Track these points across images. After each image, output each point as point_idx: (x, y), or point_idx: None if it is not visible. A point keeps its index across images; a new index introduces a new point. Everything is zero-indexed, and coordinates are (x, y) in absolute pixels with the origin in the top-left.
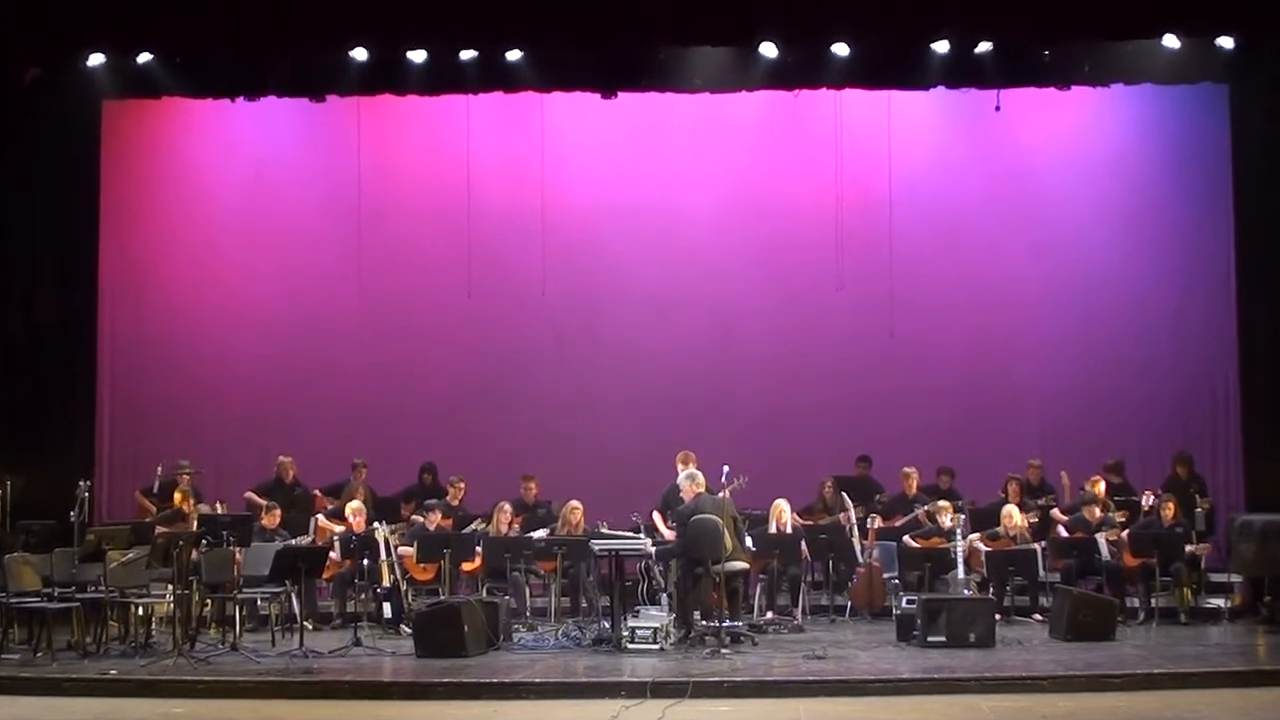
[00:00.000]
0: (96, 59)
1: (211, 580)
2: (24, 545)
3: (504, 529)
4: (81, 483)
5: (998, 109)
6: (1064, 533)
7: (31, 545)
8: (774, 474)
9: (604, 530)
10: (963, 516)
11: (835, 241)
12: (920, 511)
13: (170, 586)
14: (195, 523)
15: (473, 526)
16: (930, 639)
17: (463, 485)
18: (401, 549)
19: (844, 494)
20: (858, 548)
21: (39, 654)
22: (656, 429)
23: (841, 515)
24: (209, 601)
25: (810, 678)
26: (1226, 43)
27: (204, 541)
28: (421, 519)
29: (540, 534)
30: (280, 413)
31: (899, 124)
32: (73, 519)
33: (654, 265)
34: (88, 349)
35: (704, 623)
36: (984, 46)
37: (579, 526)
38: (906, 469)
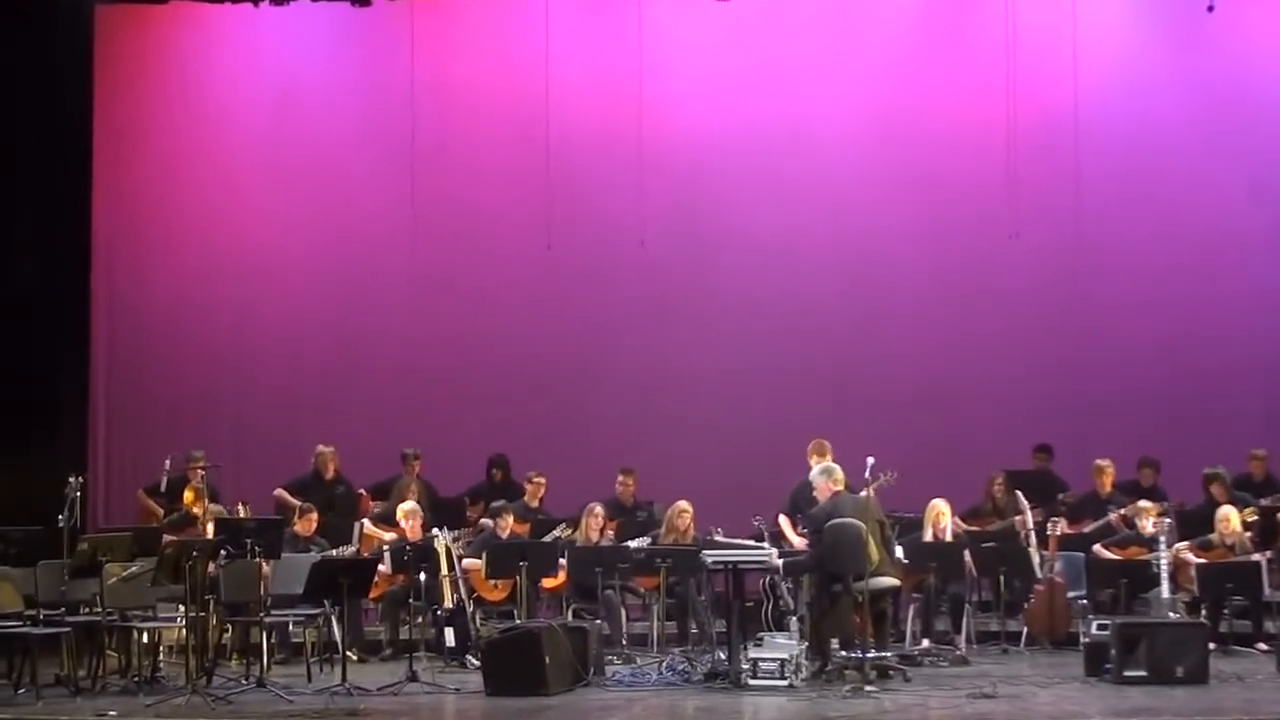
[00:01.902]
0: None
1: (232, 600)
2: (1, 557)
3: (595, 536)
4: (72, 479)
5: (1210, 9)
6: None
7: (11, 557)
8: (930, 468)
9: (718, 538)
10: (1168, 521)
11: (1006, 176)
12: (1115, 515)
13: (181, 608)
14: (212, 529)
15: (555, 534)
16: (1127, 673)
17: (542, 482)
18: (467, 561)
19: (1018, 493)
20: (1036, 560)
21: (20, 690)
22: (783, 412)
23: (1016, 519)
24: (229, 626)
25: None
26: None
27: (223, 552)
28: (491, 524)
29: (640, 543)
30: (317, 393)
31: (1086, 26)
32: (61, 524)
33: (778, 207)
34: (78, 314)
35: (844, 653)
36: None
37: (688, 534)
38: (1098, 461)
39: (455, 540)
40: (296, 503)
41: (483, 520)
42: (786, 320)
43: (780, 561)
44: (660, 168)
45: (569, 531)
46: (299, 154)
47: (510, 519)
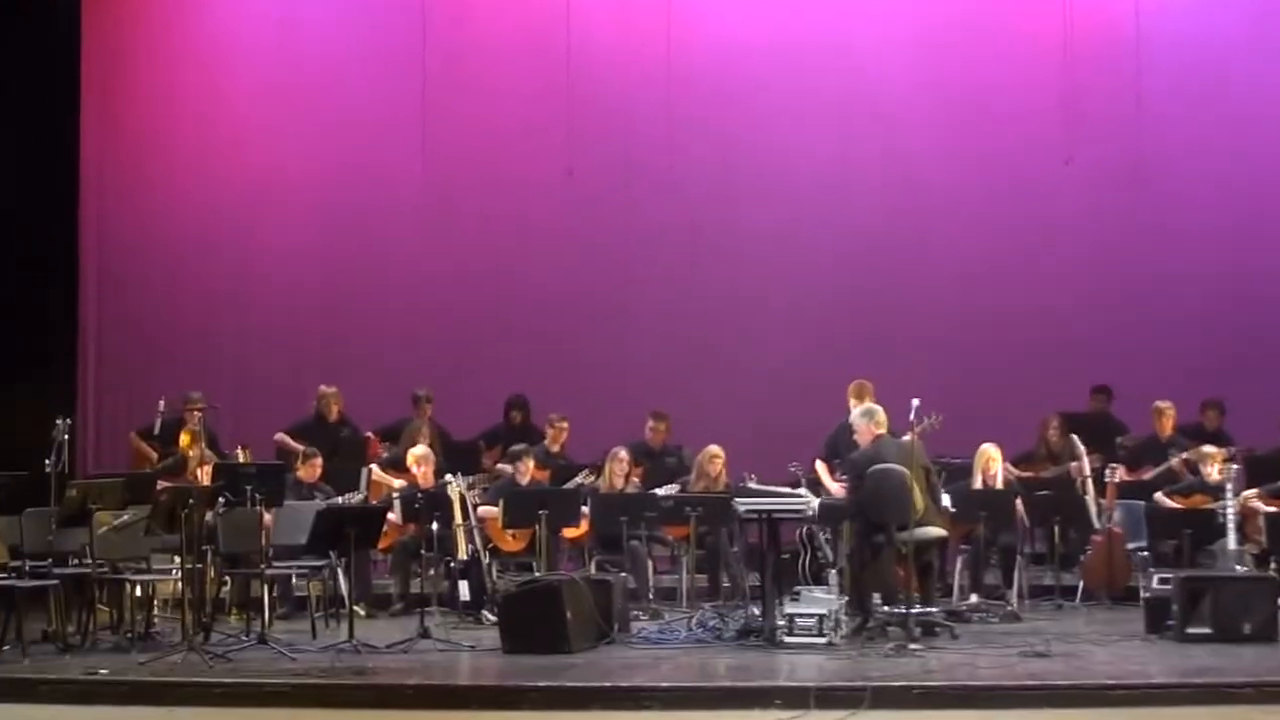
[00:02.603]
0: None
1: (231, 550)
2: None
3: (619, 483)
4: (59, 421)
5: None
6: None
7: None
8: (979, 409)
9: (752, 485)
10: (1235, 467)
11: (1061, 95)
12: (1177, 460)
13: (177, 559)
14: (209, 474)
15: (578, 480)
16: (1190, 630)
17: (565, 426)
18: (483, 509)
19: (1074, 437)
20: (1093, 509)
21: (5, 648)
22: (821, 351)
23: (1072, 465)
24: (228, 579)
25: (1030, 682)
26: None
27: (221, 499)
28: (509, 470)
29: (668, 490)
30: (320, 330)
31: None
32: (48, 469)
33: (817, 128)
34: (65, 247)
35: (886, 609)
36: None
37: (719, 480)
38: (1158, 403)
39: (470, 487)
40: (299, 447)
41: (500, 466)
42: (825, 251)
43: (817, 509)
44: (690, 84)
45: (592, 478)
46: (299, 72)
47: (530, 465)
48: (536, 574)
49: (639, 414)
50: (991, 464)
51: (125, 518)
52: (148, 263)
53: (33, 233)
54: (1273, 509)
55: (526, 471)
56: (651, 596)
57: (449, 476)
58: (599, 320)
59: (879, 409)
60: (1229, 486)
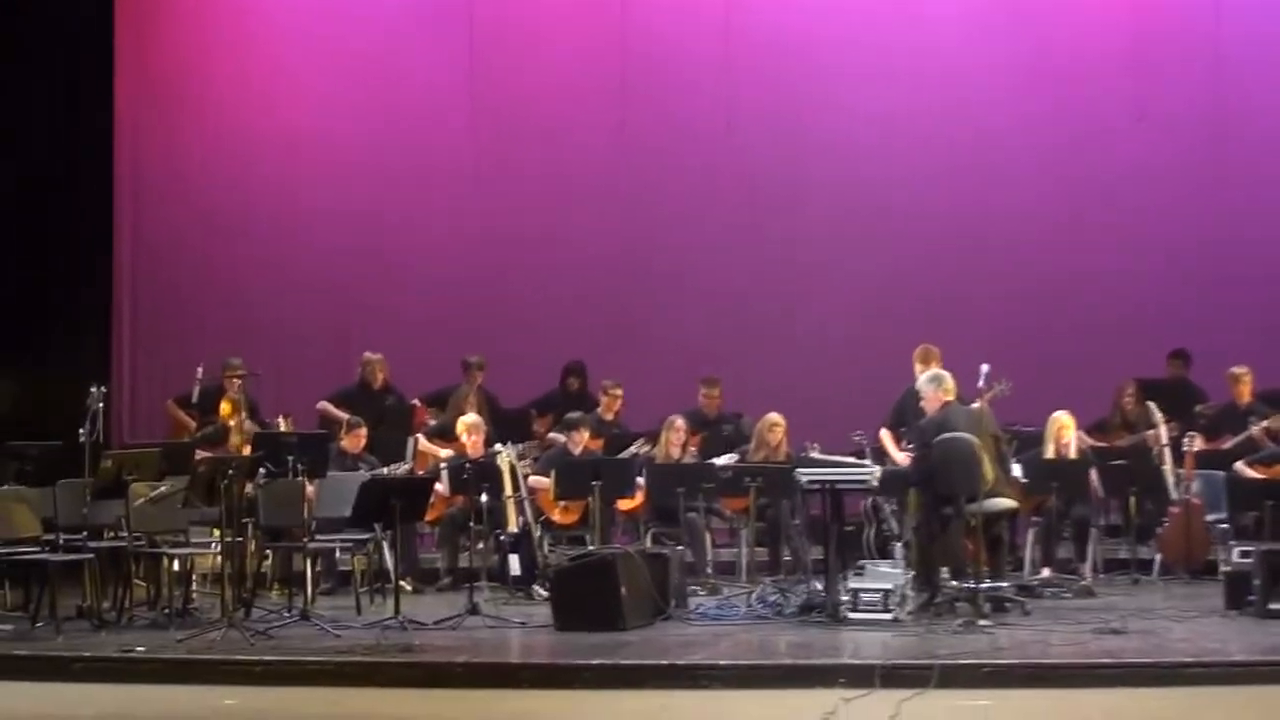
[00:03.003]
0: None
1: (273, 523)
2: (17, 476)
3: (676, 453)
4: (94, 389)
5: None
6: None
7: (27, 476)
8: (1051, 376)
9: (815, 455)
10: None
11: (1134, 46)
12: (1257, 428)
13: (216, 532)
14: (250, 444)
15: (633, 450)
16: (1272, 606)
17: (620, 393)
18: (533, 480)
19: (1151, 404)
20: (1170, 479)
21: (38, 624)
22: (886, 314)
23: (1148, 434)
24: (269, 553)
25: (1104, 660)
26: None
27: (262, 470)
28: (563, 439)
29: (727, 460)
30: (366, 292)
31: None
32: (82, 439)
33: (881, 87)
34: (100, 207)
35: (954, 583)
36: None
37: (780, 449)
38: (1235, 369)
39: (521, 457)
40: (343, 416)
41: (552, 434)
42: (890, 212)
43: (880, 474)
44: (750, 39)
45: (647, 447)
46: (343, 23)
47: (585, 434)
48: (590, 547)
49: (695, 381)
50: (1064, 432)
51: (162, 489)
52: (185, 222)
53: (65, 190)
54: None
55: (580, 441)
56: (709, 571)
57: (498, 446)
58: (653, 284)
59: (947, 375)
60: None
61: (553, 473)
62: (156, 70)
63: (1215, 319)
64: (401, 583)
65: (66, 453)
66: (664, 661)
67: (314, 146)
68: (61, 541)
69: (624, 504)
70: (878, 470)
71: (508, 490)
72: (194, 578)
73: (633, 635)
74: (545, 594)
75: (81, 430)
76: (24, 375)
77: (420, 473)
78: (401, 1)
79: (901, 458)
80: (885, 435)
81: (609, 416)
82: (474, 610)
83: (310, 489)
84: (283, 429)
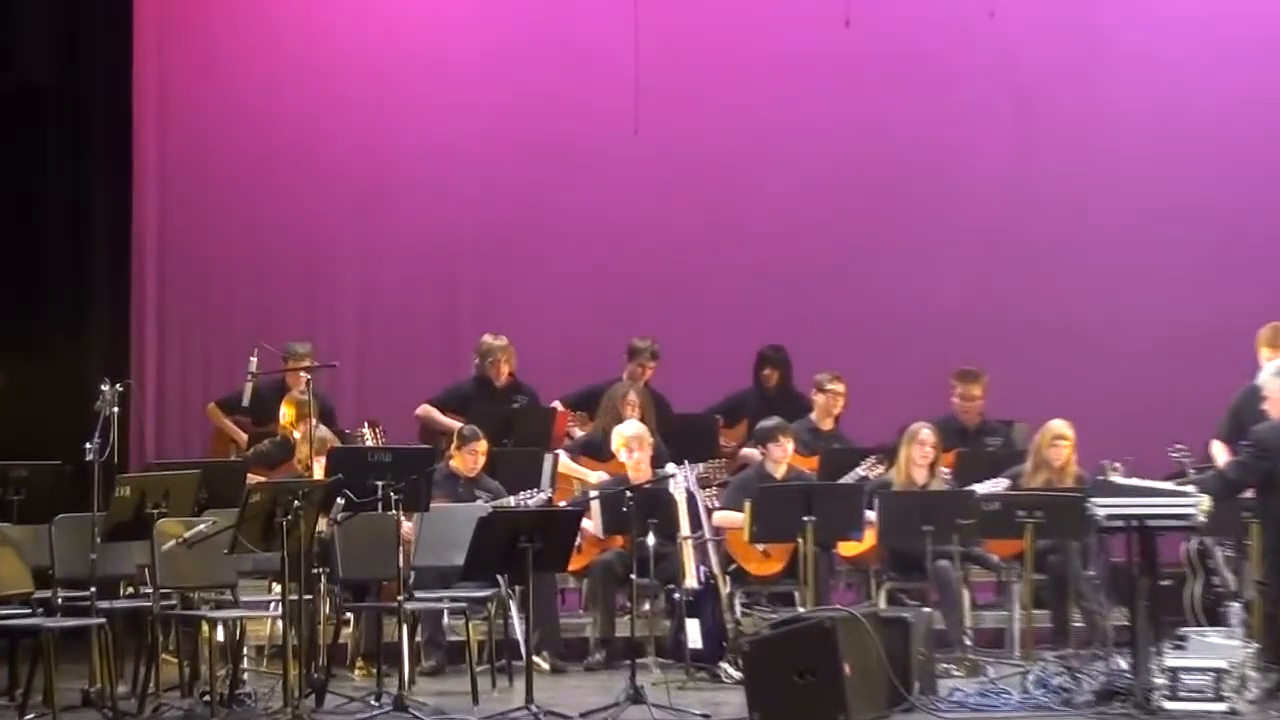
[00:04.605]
0: None
1: (355, 576)
2: (1, 507)
3: (921, 476)
4: (105, 388)
5: None
6: None
7: (14, 509)
8: None
9: (1116, 478)
10: None
11: None
12: None
13: (277, 587)
14: (323, 464)
15: (859, 472)
16: None
17: (842, 390)
18: (720, 515)
19: None
20: None
21: (30, 716)
22: (1212, 286)
23: None
24: (350, 616)
25: None
26: None
27: (340, 500)
28: (758, 456)
29: (993, 486)
30: (480, 259)
31: None
32: (90, 457)
33: None
34: (116, 143)
35: None
36: None
37: (1067, 472)
38: None
39: (703, 483)
40: (453, 424)
41: (745, 451)
42: (1223, 159)
43: (1201, 508)
44: None
45: (880, 468)
46: None
47: (789, 446)
48: (799, 609)
49: (943, 377)
50: None
51: (201, 528)
52: (231, 162)
53: (74, 124)
54: None
55: (784, 458)
56: (969, 641)
57: (671, 467)
58: (883, 248)
59: None
60: None
61: (747, 504)
62: None
63: None
64: (536, 658)
65: (68, 476)
66: None
67: (409, 70)
68: (60, 601)
69: (848, 548)
70: (1205, 501)
71: (684, 529)
72: (245, 651)
73: None
74: (737, 675)
75: (89, 445)
76: (15, 369)
77: (562, 504)
78: None
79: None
80: (1218, 449)
81: (826, 424)
82: (637, 698)
83: (408, 527)
84: (368, 442)
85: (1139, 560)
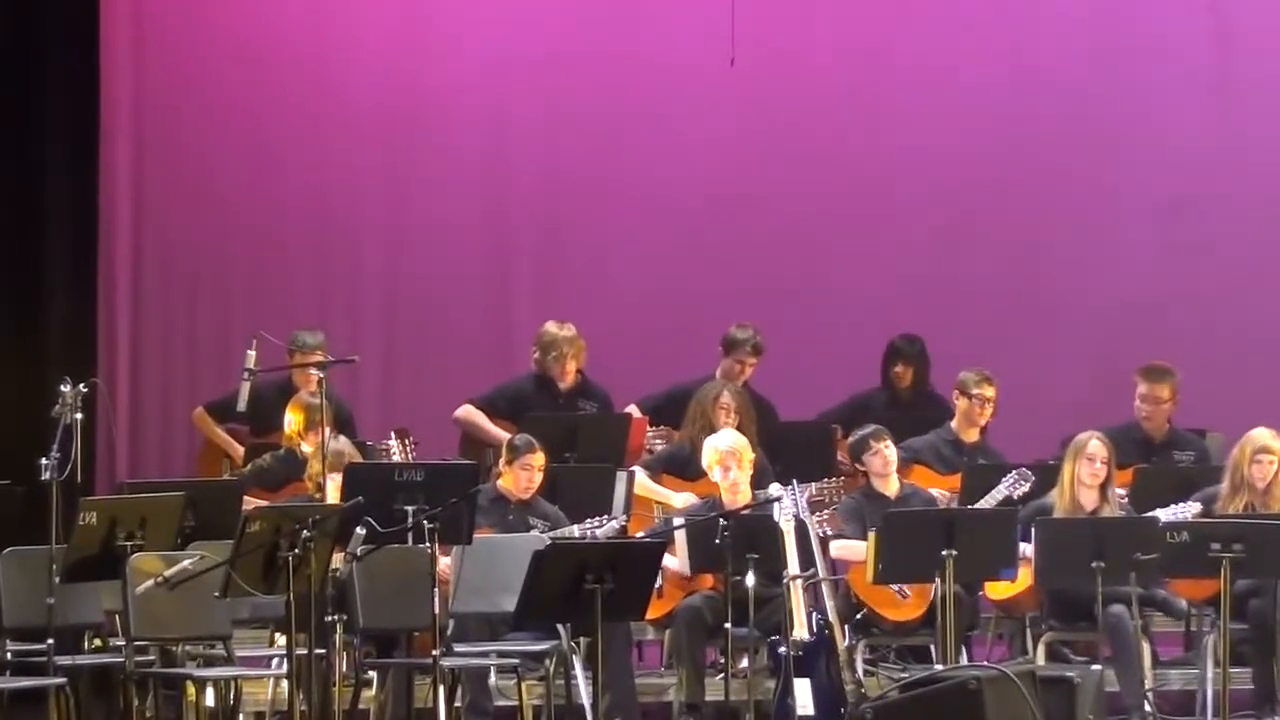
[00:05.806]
0: None
1: (378, 625)
2: None
3: (1087, 499)
4: (66, 388)
5: None
6: None
7: None
8: None
9: None
10: None
11: None
12: None
13: (280, 638)
14: (338, 483)
15: (1004, 491)
16: None
17: (992, 394)
18: (838, 546)
19: None
20: None
21: None
22: None
23: None
24: (373, 675)
25: None
26: None
27: (360, 530)
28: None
29: (1180, 512)
30: (535, 232)
31: None
32: (45, 471)
33: None
34: (82, 96)
35: None
36: None
37: (1272, 493)
38: None
39: (815, 506)
40: (502, 434)
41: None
42: None
43: None
44: None
45: (1025, 485)
46: None
47: (889, 451)
48: (937, 666)
49: (1114, 377)
50: None
51: (185, 565)
52: (221, 114)
53: (30, 82)
54: None
55: (887, 469)
56: (1149, 706)
57: (776, 488)
58: (1037, 222)
59: None
60: None
61: (872, 534)
62: None
63: None
64: None
65: (19, 499)
66: None
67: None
68: (9, 656)
69: (997, 589)
70: None
71: (792, 567)
72: (242, 716)
73: None
74: None
75: (46, 460)
76: None
77: (638, 534)
78: None
79: None
80: None
81: (970, 435)
82: None
83: (445, 563)
84: (396, 456)
85: None
